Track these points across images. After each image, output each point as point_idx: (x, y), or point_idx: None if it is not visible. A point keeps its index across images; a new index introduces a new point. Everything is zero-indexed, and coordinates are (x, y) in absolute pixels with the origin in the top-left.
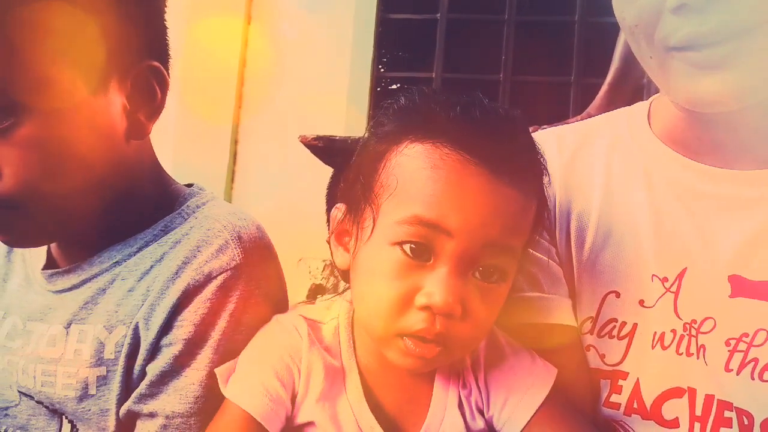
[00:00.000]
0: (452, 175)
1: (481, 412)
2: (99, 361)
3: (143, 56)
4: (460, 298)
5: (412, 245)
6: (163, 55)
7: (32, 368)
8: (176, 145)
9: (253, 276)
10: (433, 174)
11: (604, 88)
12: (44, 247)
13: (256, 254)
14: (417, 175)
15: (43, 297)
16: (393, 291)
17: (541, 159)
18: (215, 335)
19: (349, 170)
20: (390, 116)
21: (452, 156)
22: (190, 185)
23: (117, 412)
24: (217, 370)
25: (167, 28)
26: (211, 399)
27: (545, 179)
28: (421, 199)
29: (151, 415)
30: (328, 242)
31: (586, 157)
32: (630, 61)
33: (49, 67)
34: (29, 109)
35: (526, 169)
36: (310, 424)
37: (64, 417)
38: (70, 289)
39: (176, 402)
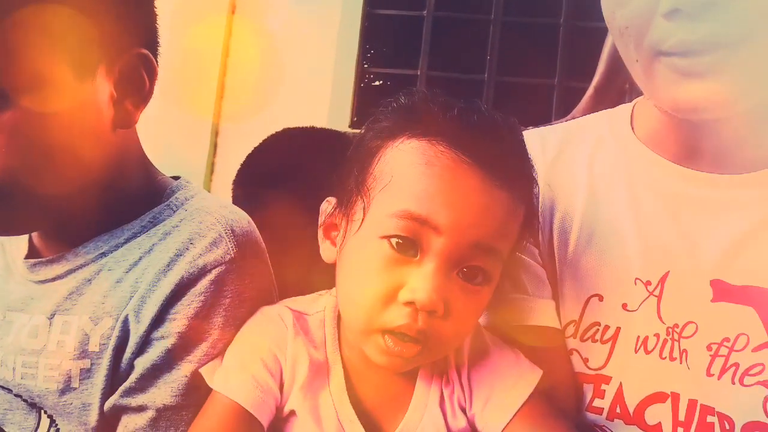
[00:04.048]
0: (445, 172)
1: (464, 410)
2: (83, 354)
3: (132, 43)
4: (444, 296)
5: (400, 240)
6: (153, 43)
7: (12, 360)
8: (156, 135)
9: (246, 270)
10: (426, 170)
11: (589, 92)
12: (25, 236)
13: (249, 248)
14: (410, 170)
15: (24, 287)
16: (378, 284)
17: (533, 169)
18: (209, 329)
19: (342, 164)
20: (389, 113)
21: (447, 154)
22: (176, 178)
23: (100, 407)
24: (201, 369)
25: (157, 15)
26: (203, 391)
27: (535, 189)
28: (413, 194)
29: (141, 408)
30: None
31: (569, 158)
32: (616, 66)
33: (34, 53)
34: (13, 96)
35: (518, 175)
36: (292, 413)
37: (43, 411)
38: (53, 279)
39: (167, 395)
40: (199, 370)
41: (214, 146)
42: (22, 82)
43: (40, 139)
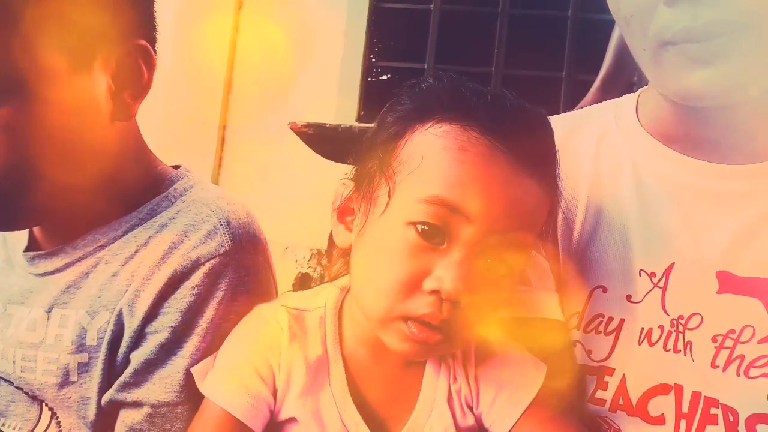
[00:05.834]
0: (479, 159)
1: (471, 408)
2: (80, 348)
3: (129, 35)
4: (470, 286)
5: (427, 227)
6: (151, 34)
7: (12, 353)
8: (164, 129)
9: (242, 263)
10: (459, 155)
11: (596, 84)
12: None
13: (245, 240)
14: (442, 155)
15: (24, 280)
16: (402, 271)
17: (559, 161)
18: (203, 323)
19: (362, 146)
20: (414, 96)
21: (481, 140)
22: (177, 167)
23: (98, 401)
24: (193, 369)
25: (154, 5)
26: (198, 389)
27: (560, 182)
28: (445, 179)
29: (136, 404)
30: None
31: (573, 147)
32: (622, 58)
33: (29, 46)
34: (10, 90)
35: (548, 166)
36: (293, 420)
37: (44, 404)
38: (52, 272)
39: (162, 391)
40: (191, 369)
41: (222, 140)
42: (19, 77)
43: (39, 134)
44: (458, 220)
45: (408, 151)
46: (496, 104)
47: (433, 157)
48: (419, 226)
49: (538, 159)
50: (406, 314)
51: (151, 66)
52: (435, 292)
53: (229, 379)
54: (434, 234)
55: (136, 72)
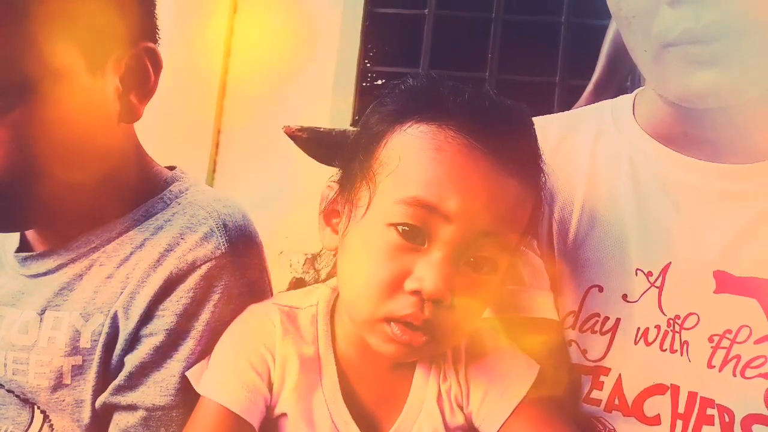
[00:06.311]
0: (456, 158)
1: (461, 408)
2: (74, 350)
3: (139, 37)
4: (451, 285)
5: (408, 227)
6: (155, 37)
7: (3, 355)
8: (158, 133)
9: (238, 266)
10: (436, 156)
11: (589, 89)
12: None
13: (241, 243)
14: (419, 155)
15: (15, 281)
16: (383, 272)
17: (542, 158)
18: (198, 326)
19: (346, 148)
20: (395, 96)
21: (457, 139)
22: (171, 168)
23: (92, 403)
24: (188, 373)
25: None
26: (192, 391)
27: (543, 179)
28: (422, 180)
29: (131, 407)
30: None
31: (569, 147)
32: (615, 63)
33: (48, 47)
34: (24, 91)
35: (529, 163)
36: (284, 416)
37: (36, 407)
38: (45, 273)
39: (157, 394)
40: (186, 373)
41: (217, 145)
42: (36, 78)
43: (50, 135)
44: (437, 220)
45: (387, 153)
46: (473, 102)
47: (411, 157)
48: (399, 227)
49: (518, 156)
50: (389, 315)
51: (157, 68)
52: (416, 292)
53: (224, 375)
54: (415, 234)
55: (144, 74)
